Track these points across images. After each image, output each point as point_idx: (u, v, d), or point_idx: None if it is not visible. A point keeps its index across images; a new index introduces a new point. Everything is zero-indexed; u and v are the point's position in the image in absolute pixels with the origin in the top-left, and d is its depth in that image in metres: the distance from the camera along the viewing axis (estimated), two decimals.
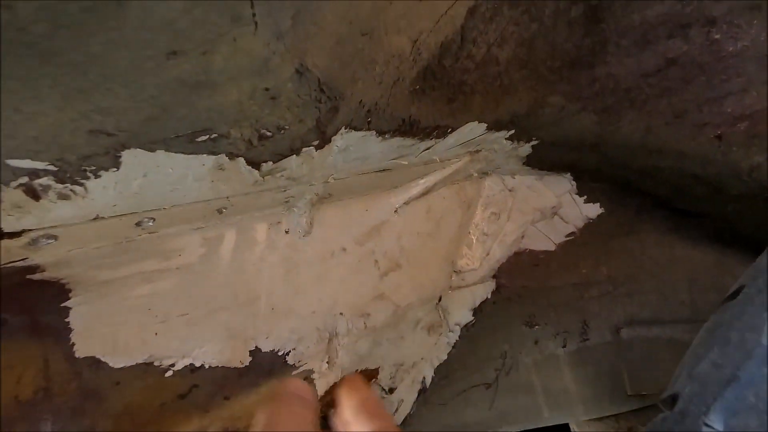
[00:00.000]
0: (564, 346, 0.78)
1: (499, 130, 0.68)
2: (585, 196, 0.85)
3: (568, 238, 0.85)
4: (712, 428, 0.30)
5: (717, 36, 0.63)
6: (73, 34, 0.27)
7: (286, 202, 0.57)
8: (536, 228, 0.84)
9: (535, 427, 0.77)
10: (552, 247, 0.84)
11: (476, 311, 0.79)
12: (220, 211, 0.53)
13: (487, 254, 0.80)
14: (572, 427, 0.79)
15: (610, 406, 0.77)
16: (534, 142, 0.75)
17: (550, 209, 0.84)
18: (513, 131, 0.70)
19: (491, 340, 0.79)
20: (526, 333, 0.79)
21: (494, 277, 0.81)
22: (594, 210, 0.85)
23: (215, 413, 0.52)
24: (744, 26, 0.63)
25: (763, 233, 0.81)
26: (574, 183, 0.85)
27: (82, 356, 0.45)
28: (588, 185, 0.85)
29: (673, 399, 0.37)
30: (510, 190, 0.83)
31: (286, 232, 0.60)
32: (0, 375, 0.41)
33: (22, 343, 0.43)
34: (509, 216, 0.82)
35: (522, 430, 0.77)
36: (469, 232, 0.80)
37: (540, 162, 0.81)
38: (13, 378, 0.41)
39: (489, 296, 0.80)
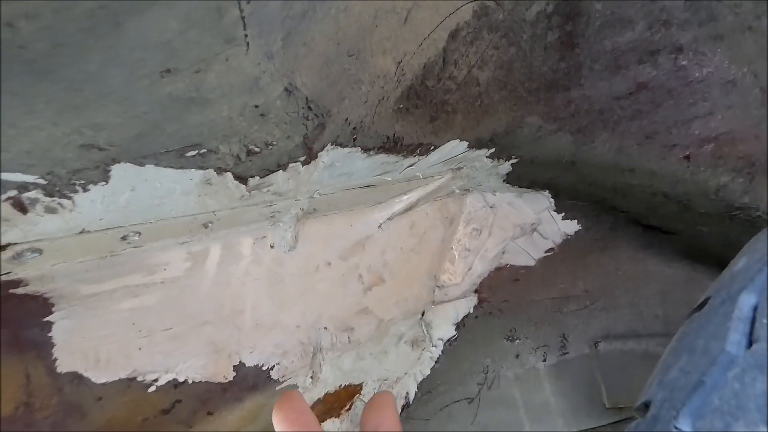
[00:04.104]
0: (544, 360, 0.80)
1: (480, 148, 0.71)
2: (563, 213, 0.88)
3: (547, 254, 0.87)
4: (681, 431, 0.32)
5: (684, 62, 0.67)
6: (72, 52, 0.28)
7: (272, 216, 0.58)
8: (516, 244, 0.86)
9: None
10: (532, 263, 0.86)
11: (459, 326, 0.80)
12: (206, 226, 0.53)
13: (469, 269, 0.82)
14: None
15: (589, 420, 0.78)
16: (513, 161, 0.77)
17: (529, 226, 0.86)
18: (493, 149, 0.73)
19: (473, 354, 0.80)
20: (507, 347, 0.81)
21: (476, 291, 0.83)
22: (572, 227, 0.88)
23: (199, 429, 0.52)
24: (708, 54, 0.67)
25: (729, 250, 0.84)
26: (552, 200, 0.87)
27: (64, 371, 0.45)
28: (566, 202, 0.88)
29: (646, 406, 0.38)
30: (491, 207, 0.85)
31: (271, 246, 0.60)
32: None
33: (3, 358, 0.42)
34: (490, 232, 0.84)
35: None
36: (452, 248, 0.82)
37: (519, 179, 0.83)
38: None
39: (471, 311, 0.81)
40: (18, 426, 0.42)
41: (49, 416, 0.43)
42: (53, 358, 0.45)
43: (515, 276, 0.85)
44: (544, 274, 0.85)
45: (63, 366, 0.45)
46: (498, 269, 0.84)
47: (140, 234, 0.49)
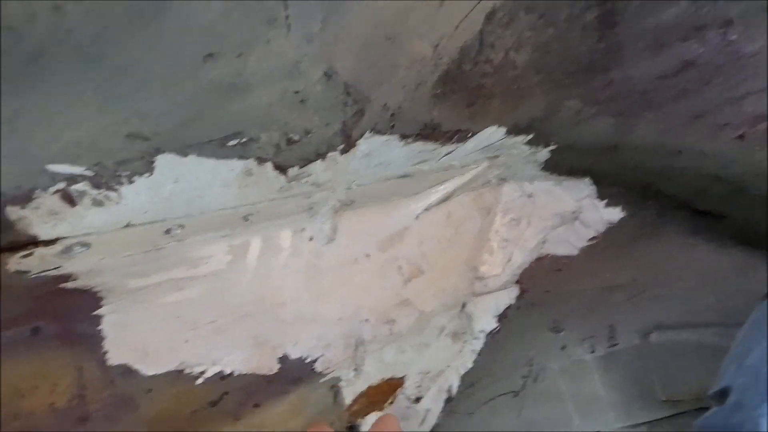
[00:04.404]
0: (592, 352, 0.77)
1: (518, 134, 0.69)
2: (605, 200, 0.85)
3: (590, 243, 0.84)
4: None
5: (734, 37, 0.63)
6: (118, 36, 0.28)
7: (310, 208, 0.58)
8: (557, 233, 0.84)
9: None
10: (574, 252, 0.83)
11: (500, 317, 0.78)
12: (246, 218, 0.53)
13: (509, 260, 0.80)
14: None
15: (643, 413, 0.75)
16: (552, 147, 0.75)
17: (570, 214, 0.84)
18: (531, 135, 0.71)
19: (517, 346, 0.78)
20: (552, 339, 0.78)
21: (517, 282, 0.81)
22: (615, 214, 0.85)
23: (246, 421, 0.52)
24: (760, 26, 0.63)
25: None
26: (593, 187, 0.84)
27: (114, 364, 0.46)
28: (608, 189, 0.85)
29: (724, 392, 0.36)
30: (529, 196, 0.83)
31: (310, 238, 0.60)
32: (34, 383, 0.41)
33: (56, 351, 0.43)
34: (529, 222, 0.82)
35: None
36: (489, 239, 0.80)
37: (558, 167, 0.81)
38: (48, 385, 0.42)
39: (513, 302, 0.79)
40: (73, 417, 0.42)
41: (101, 408, 0.44)
42: (104, 350, 0.45)
43: (557, 266, 0.83)
44: (588, 263, 0.82)
45: (113, 359, 0.46)
46: (539, 259, 0.82)
47: (183, 227, 0.49)
